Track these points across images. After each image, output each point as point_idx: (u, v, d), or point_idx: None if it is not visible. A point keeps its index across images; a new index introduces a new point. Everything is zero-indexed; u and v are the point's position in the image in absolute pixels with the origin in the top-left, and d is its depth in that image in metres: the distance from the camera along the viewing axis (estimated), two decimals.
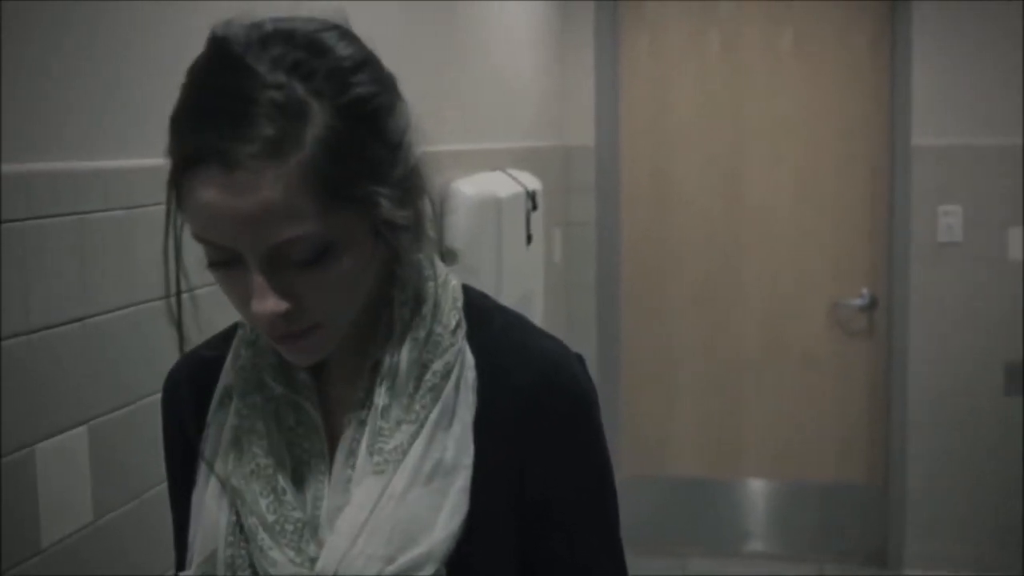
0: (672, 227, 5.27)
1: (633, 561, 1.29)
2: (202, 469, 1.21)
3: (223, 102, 1.02)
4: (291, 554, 1.12)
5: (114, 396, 1.81)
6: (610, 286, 5.28)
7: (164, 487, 1.35)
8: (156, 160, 1.11)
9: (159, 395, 1.34)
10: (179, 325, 1.16)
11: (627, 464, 5.17)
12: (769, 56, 5.12)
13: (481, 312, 1.22)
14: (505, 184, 3.55)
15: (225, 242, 1.04)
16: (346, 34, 1.09)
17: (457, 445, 1.14)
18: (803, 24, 5.07)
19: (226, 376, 1.22)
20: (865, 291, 5.10)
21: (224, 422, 1.20)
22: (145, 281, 1.83)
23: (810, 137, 5.10)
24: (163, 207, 1.09)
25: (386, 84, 1.10)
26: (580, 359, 1.23)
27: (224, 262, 1.07)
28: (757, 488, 5.36)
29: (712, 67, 5.18)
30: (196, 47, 1.08)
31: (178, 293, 1.14)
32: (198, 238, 1.06)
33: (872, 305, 5.09)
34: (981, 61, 4.78)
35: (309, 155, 1.01)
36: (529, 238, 3.69)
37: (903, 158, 4.89)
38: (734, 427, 5.30)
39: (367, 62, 1.09)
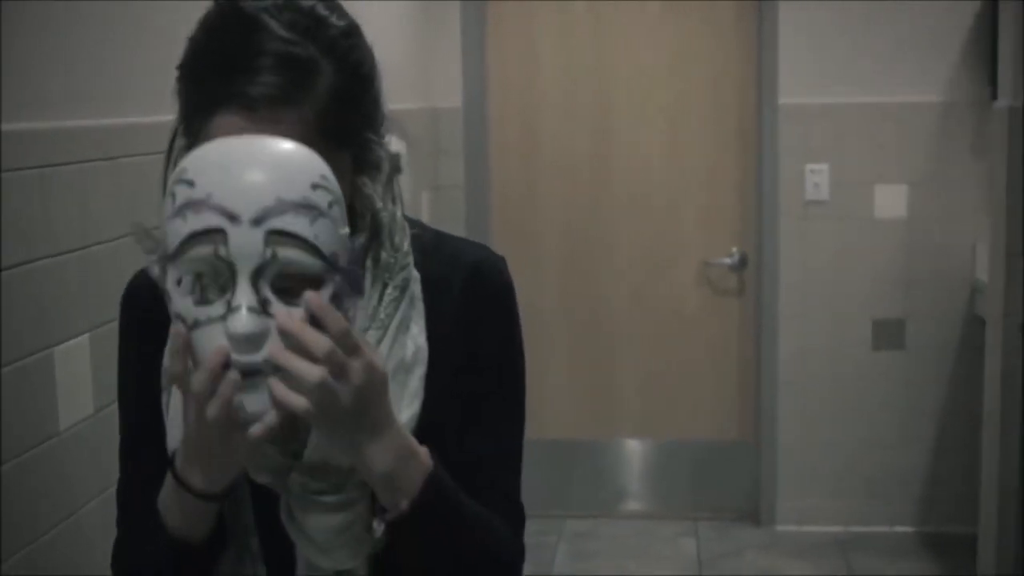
0: (541, 189, 5.21)
1: None
2: None
3: (247, 54, 1.18)
4: (276, 447, 1.26)
5: None
6: None
7: None
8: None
9: None
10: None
11: None
12: (636, 13, 5.07)
13: (418, 232, 1.41)
14: None
15: None
16: (336, 6, 1.27)
17: (414, 344, 1.34)
18: None
19: None
20: (735, 250, 5.11)
21: None
22: None
23: (678, 96, 5.08)
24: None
25: (369, 48, 1.30)
26: (503, 260, 1.45)
27: None
28: (631, 448, 5.36)
29: (579, 24, 5.11)
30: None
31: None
32: None
33: (742, 264, 5.11)
34: (847, 20, 4.79)
35: (320, 104, 1.20)
36: None
37: (770, 117, 4.90)
38: (606, 388, 5.29)
39: (356, 30, 1.28)
